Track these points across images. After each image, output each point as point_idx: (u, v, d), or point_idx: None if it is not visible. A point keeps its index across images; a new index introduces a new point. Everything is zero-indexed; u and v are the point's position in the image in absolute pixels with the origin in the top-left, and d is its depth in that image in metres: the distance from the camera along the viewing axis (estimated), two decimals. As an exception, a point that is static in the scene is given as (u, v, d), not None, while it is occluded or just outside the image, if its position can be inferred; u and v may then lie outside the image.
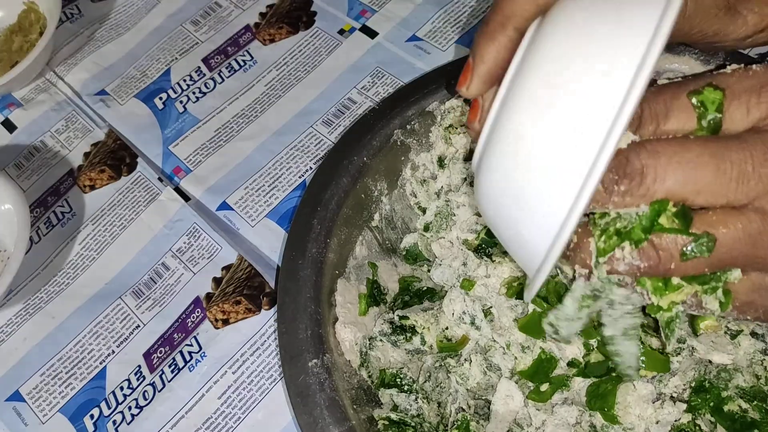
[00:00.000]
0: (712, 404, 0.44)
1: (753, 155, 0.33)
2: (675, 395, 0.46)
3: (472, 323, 0.51)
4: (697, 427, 0.44)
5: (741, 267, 0.35)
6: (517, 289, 0.49)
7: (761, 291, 0.36)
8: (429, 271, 0.56)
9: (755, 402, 0.44)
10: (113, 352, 0.62)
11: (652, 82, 0.38)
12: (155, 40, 0.83)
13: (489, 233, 0.51)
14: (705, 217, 0.34)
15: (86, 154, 0.75)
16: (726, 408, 0.44)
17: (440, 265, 0.54)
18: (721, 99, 0.35)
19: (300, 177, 0.69)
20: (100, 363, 0.62)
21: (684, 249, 0.34)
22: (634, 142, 0.34)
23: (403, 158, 0.61)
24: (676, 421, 0.45)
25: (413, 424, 0.49)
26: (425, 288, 0.56)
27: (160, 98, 0.78)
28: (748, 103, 0.35)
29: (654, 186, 0.33)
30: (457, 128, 0.58)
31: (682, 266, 0.34)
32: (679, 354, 0.47)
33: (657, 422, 0.45)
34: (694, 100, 0.35)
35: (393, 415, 0.49)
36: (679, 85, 0.36)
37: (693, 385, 0.45)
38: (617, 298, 0.36)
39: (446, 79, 0.61)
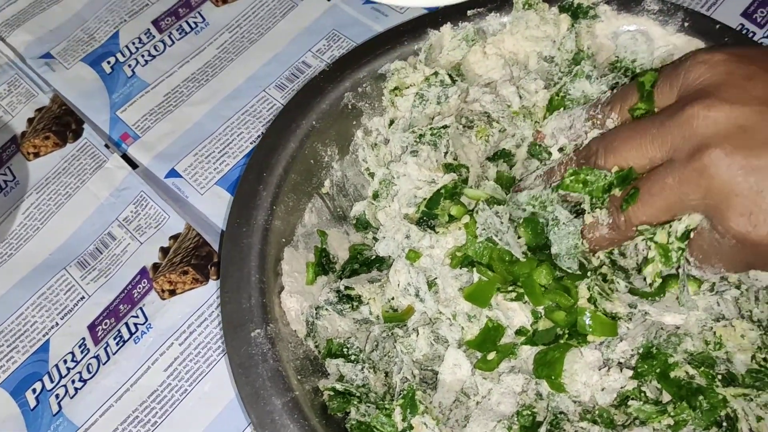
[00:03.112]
0: (658, 370, 0.43)
1: (661, 121, 0.42)
2: (622, 361, 0.45)
3: (417, 295, 0.49)
4: (643, 394, 0.43)
5: (668, 211, 0.43)
6: (460, 259, 0.48)
7: (702, 234, 0.42)
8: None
9: (702, 368, 0.43)
10: (57, 324, 0.60)
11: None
12: (103, 2, 0.79)
13: (428, 205, 0.50)
14: (638, 179, 0.44)
15: (30, 120, 0.72)
16: (672, 374, 0.43)
17: (384, 238, 0.53)
18: (656, 78, 0.46)
19: (251, 143, 0.67)
20: (43, 336, 0.60)
21: (622, 201, 0.44)
22: (597, 135, 0.48)
23: (354, 122, 0.59)
24: (621, 387, 0.44)
25: (358, 393, 0.47)
26: (374, 256, 0.55)
27: (108, 62, 0.75)
28: (671, 79, 0.44)
29: (599, 160, 0.45)
30: (401, 90, 0.56)
31: (628, 217, 0.44)
32: (631, 320, 0.46)
33: (603, 389, 0.44)
34: (638, 80, 0.47)
35: (338, 386, 0.48)
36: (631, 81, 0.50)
37: (641, 351, 0.44)
38: (561, 217, 0.46)
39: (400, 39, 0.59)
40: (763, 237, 0.39)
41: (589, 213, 0.46)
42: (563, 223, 0.47)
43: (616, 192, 0.45)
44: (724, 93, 0.40)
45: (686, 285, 0.44)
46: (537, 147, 0.54)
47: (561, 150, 0.52)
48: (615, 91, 0.50)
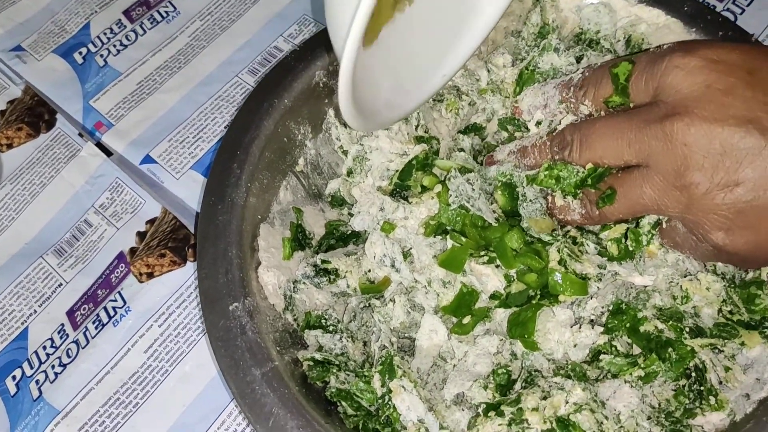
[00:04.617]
0: (628, 325, 0.44)
1: (638, 126, 0.43)
2: (593, 318, 0.46)
3: (392, 266, 0.50)
4: (614, 348, 0.44)
5: (644, 213, 0.45)
6: (434, 227, 0.49)
7: (676, 230, 0.46)
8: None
9: (671, 322, 0.44)
10: (35, 311, 0.60)
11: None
12: (73, -6, 0.79)
13: (401, 177, 0.51)
14: (613, 176, 0.45)
15: (2, 112, 0.72)
16: (642, 328, 0.44)
17: (359, 213, 0.53)
18: (630, 71, 0.45)
19: (225, 127, 0.67)
20: (22, 323, 0.60)
21: (597, 199, 0.46)
22: (572, 123, 0.48)
23: (327, 101, 0.59)
24: (593, 343, 0.45)
25: (337, 362, 0.48)
26: (350, 232, 0.55)
27: (80, 53, 0.75)
28: (646, 76, 0.44)
29: (574, 153, 0.46)
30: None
31: (603, 213, 0.46)
32: (601, 280, 0.47)
33: (575, 346, 0.45)
34: (612, 71, 0.46)
35: (317, 355, 0.48)
36: (604, 64, 0.48)
37: (611, 308, 0.45)
38: (529, 194, 0.49)
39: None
40: (738, 248, 0.43)
41: (559, 197, 0.48)
42: (530, 201, 0.49)
43: (589, 188, 0.46)
44: (703, 110, 0.41)
45: (643, 257, 0.47)
46: (516, 121, 0.55)
47: (538, 124, 0.53)
48: (586, 72, 0.49)
